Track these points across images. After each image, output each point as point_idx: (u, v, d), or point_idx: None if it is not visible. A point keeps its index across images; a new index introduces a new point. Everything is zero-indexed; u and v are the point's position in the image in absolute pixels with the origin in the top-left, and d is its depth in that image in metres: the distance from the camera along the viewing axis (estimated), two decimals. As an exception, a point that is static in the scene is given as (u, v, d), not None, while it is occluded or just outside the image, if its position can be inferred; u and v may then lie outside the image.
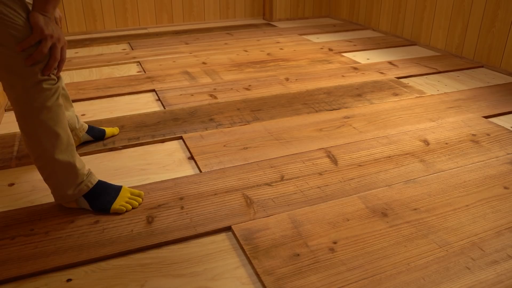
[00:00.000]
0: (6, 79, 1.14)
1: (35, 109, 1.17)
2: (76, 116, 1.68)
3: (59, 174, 1.27)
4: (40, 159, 1.25)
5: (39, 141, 1.21)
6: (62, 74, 1.61)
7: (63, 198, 1.33)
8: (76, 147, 1.71)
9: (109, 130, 1.80)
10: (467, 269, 1.12)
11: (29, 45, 1.09)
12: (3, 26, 1.06)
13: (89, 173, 1.35)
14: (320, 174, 1.56)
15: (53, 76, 1.18)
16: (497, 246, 1.20)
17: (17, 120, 1.21)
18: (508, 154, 1.69)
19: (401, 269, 1.12)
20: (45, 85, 1.16)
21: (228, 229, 1.28)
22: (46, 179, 1.30)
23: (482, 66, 2.77)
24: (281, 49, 3.16)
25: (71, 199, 1.32)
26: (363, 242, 1.22)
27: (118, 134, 1.84)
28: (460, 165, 1.61)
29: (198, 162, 1.63)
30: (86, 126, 1.73)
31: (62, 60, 1.18)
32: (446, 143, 1.77)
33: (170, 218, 1.32)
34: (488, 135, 1.84)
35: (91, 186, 1.33)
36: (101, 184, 1.36)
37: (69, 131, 1.28)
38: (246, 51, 3.11)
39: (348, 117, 2.02)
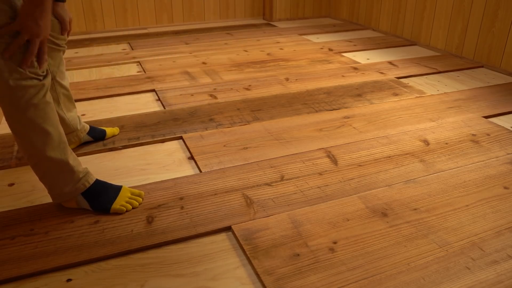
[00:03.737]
0: None
1: (21, 108, 1.16)
2: (78, 117, 1.68)
3: (53, 171, 1.27)
4: (33, 157, 1.25)
5: (29, 140, 1.21)
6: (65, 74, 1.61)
7: (60, 196, 1.32)
8: (76, 147, 1.71)
9: (109, 131, 1.81)
10: (467, 269, 1.12)
11: (7, 33, 1.07)
12: None
13: (86, 172, 1.34)
14: (320, 174, 1.56)
15: (37, 74, 1.16)
16: (497, 246, 1.20)
17: (6, 120, 1.20)
18: (508, 154, 1.69)
19: (401, 269, 1.12)
20: (28, 83, 1.14)
21: (228, 229, 1.28)
22: (41, 178, 1.30)
23: (482, 66, 2.77)
24: (281, 49, 3.16)
25: (68, 197, 1.32)
26: (363, 242, 1.22)
27: (118, 134, 1.84)
28: (460, 165, 1.61)
29: (198, 162, 1.63)
30: (88, 127, 1.73)
31: (42, 53, 1.15)
32: (446, 143, 1.77)
33: (170, 218, 1.32)
34: (488, 135, 1.84)
35: (88, 185, 1.33)
36: (101, 184, 1.36)
37: (60, 128, 1.26)
38: (246, 51, 3.11)
39: (348, 117, 2.02)
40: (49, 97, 1.21)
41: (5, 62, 1.10)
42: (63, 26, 1.44)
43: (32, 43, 1.12)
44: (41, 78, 1.18)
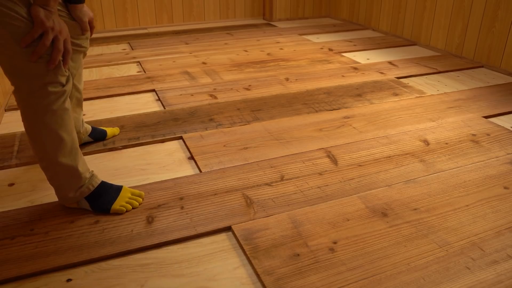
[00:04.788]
0: (12, 82, 1.14)
1: (39, 112, 1.16)
2: (82, 119, 1.68)
3: (61, 177, 1.27)
4: (43, 160, 1.25)
5: (43, 144, 1.21)
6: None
7: (65, 200, 1.33)
8: (76, 147, 1.71)
9: (110, 131, 1.81)
10: (467, 269, 1.12)
11: (32, 39, 1.08)
12: (3, 29, 1.05)
13: (92, 176, 1.34)
14: (320, 174, 1.56)
15: (61, 79, 1.17)
16: (497, 246, 1.20)
17: (22, 121, 1.20)
18: (508, 154, 1.69)
19: (401, 269, 1.12)
20: (50, 88, 1.15)
21: (228, 229, 1.28)
22: (49, 180, 1.30)
23: (482, 66, 2.77)
24: (281, 49, 3.16)
25: (72, 201, 1.33)
26: (363, 242, 1.22)
27: (118, 134, 1.84)
28: (460, 165, 1.61)
29: (198, 162, 1.63)
30: (90, 128, 1.74)
31: (67, 52, 1.16)
32: (446, 143, 1.77)
33: (170, 218, 1.32)
34: (488, 135, 1.84)
35: (92, 188, 1.33)
36: (102, 185, 1.36)
37: (74, 134, 1.27)
38: (246, 51, 3.11)
39: (348, 117, 2.02)
40: (68, 104, 1.21)
41: (32, 65, 1.11)
42: (82, 26, 1.44)
43: (57, 40, 1.12)
44: (64, 83, 1.18)
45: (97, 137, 1.76)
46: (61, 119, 1.20)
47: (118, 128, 1.85)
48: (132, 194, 1.39)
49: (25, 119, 1.19)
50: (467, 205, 1.38)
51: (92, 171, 1.36)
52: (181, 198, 1.41)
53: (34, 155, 1.26)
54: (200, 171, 1.59)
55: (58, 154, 1.23)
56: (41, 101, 1.15)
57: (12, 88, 2.37)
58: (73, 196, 1.31)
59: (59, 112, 1.19)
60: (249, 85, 2.43)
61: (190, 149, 1.73)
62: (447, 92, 2.34)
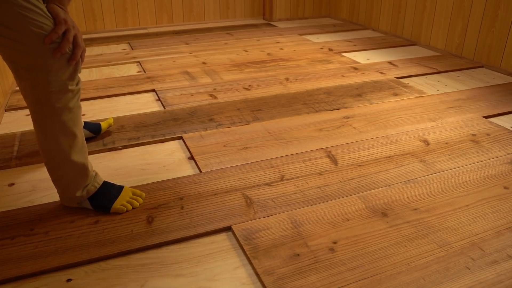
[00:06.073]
0: (29, 80, 1.12)
1: (57, 110, 1.16)
2: None
3: (70, 175, 1.27)
4: (53, 160, 1.24)
5: (57, 142, 1.21)
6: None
7: (71, 200, 1.32)
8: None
9: (104, 124, 1.81)
10: (467, 269, 1.12)
11: (57, 37, 1.08)
12: (25, 24, 1.04)
13: (96, 174, 1.35)
14: (320, 174, 1.56)
15: (76, 77, 1.18)
16: (497, 246, 1.20)
17: (35, 121, 1.19)
18: (508, 154, 1.69)
19: (401, 269, 1.12)
20: (69, 86, 1.16)
21: (228, 229, 1.28)
22: (55, 181, 1.29)
23: (482, 66, 2.77)
24: (281, 49, 3.16)
25: (78, 200, 1.32)
26: (363, 242, 1.22)
27: (114, 125, 1.84)
28: (460, 165, 1.61)
29: (198, 162, 1.63)
30: (82, 122, 1.74)
31: (84, 50, 1.18)
32: (446, 143, 1.77)
33: (170, 218, 1.32)
34: (488, 135, 1.84)
35: (98, 186, 1.33)
36: (104, 184, 1.36)
37: (82, 131, 1.28)
38: (246, 51, 3.11)
39: (348, 117, 2.02)
40: (79, 101, 1.23)
41: (54, 62, 1.11)
42: None
43: (76, 37, 1.14)
44: (77, 82, 1.20)
45: (93, 129, 1.76)
46: (76, 116, 1.22)
47: (111, 118, 1.86)
48: (134, 194, 1.39)
49: (40, 117, 1.18)
50: (467, 205, 1.38)
51: (94, 170, 1.36)
52: (181, 198, 1.41)
53: (43, 155, 1.25)
54: (200, 171, 1.59)
55: (71, 151, 1.23)
56: (60, 99, 1.16)
57: (12, 88, 2.37)
58: (80, 195, 1.31)
59: (75, 110, 1.21)
60: (249, 85, 2.43)
61: (190, 149, 1.73)
62: (447, 92, 2.34)
